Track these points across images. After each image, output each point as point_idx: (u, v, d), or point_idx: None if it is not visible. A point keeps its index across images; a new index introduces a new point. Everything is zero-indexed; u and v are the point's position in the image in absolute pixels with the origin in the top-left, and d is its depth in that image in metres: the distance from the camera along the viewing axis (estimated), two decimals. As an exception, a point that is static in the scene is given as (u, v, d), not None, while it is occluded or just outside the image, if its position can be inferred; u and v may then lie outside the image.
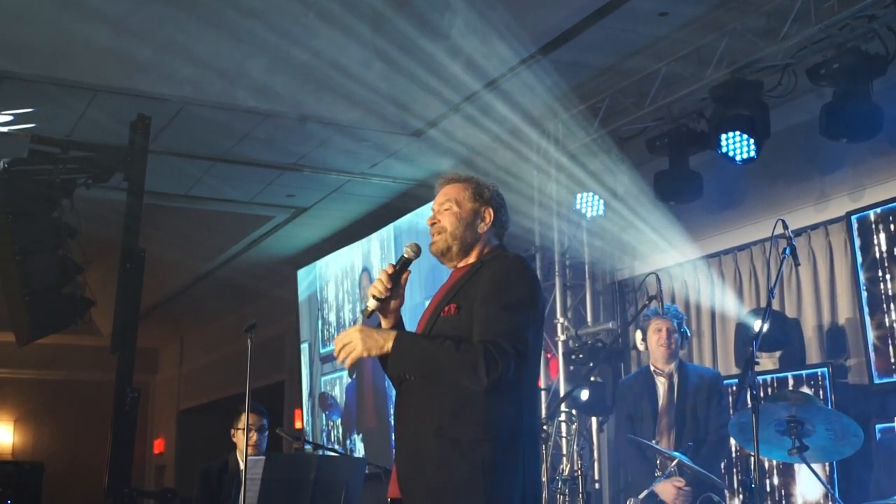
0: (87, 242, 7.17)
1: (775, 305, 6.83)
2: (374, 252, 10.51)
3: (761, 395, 6.24)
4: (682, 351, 6.02)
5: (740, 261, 7.52)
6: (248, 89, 7.55)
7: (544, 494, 6.21)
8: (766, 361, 6.94)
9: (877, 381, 6.20)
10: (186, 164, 9.13)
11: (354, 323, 10.71)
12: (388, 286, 3.37)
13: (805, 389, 6.25)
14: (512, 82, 7.43)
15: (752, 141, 6.50)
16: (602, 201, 7.90)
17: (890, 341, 6.17)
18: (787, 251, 4.68)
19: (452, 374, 3.16)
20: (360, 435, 10.67)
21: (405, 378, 3.26)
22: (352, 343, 3.25)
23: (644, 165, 7.73)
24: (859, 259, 6.37)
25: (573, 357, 7.85)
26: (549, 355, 8.12)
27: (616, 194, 7.88)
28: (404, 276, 3.42)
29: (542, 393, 7.81)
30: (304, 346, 12.12)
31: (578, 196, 7.95)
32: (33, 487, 8.02)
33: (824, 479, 5.77)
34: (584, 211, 7.95)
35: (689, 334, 6.06)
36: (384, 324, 3.45)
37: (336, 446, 10.87)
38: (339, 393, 11.28)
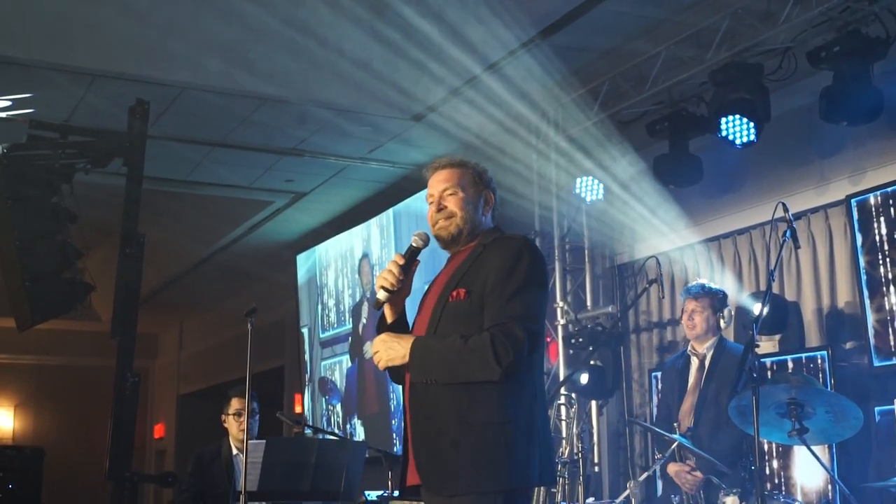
0: (86, 228, 7.17)
1: (775, 289, 6.84)
2: (374, 237, 10.51)
3: (761, 378, 6.25)
4: (725, 328, 5.89)
5: (740, 244, 7.53)
6: (248, 74, 7.52)
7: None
8: (766, 344, 6.95)
9: (876, 363, 6.21)
10: (185, 148, 9.11)
11: (353, 309, 10.77)
12: (401, 277, 3.36)
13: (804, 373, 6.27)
14: (512, 66, 7.41)
15: (752, 124, 6.49)
16: (602, 185, 7.89)
17: (889, 324, 6.18)
18: (788, 234, 4.69)
19: (469, 373, 3.16)
20: (361, 419, 10.70)
21: (428, 383, 3.24)
22: (378, 353, 3.31)
23: (644, 149, 7.71)
24: (859, 242, 6.37)
25: (573, 341, 7.86)
26: (548, 339, 8.12)
27: (616, 178, 7.87)
28: (414, 266, 3.41)
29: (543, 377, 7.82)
30: (305, 331, 12.14)
31: (578, 180, 7.95)
32: (34, 472, 8.04)
33: (824, 461, 5.79)
34: (583, 195, 7.95)
35: (730, 314, 5.94)
36: (388, 314, 3.46)
37: (336, 430, 10.89)
38: (338, 377, 11.30)
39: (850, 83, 5.99)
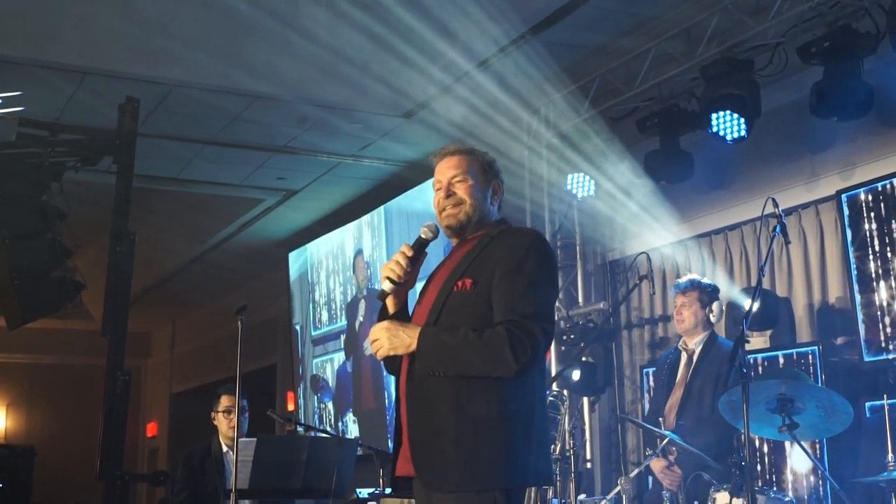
0: (76, 226, 7.15)
1: (766, 284, 6.85)
2: (366, 235, 10.51)
3: (752, 373, 6.25)
4: (716, 324, 5.91)
5: (731, 240, 7.53)
6: (238, 71, 7.51)
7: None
8: (757, 340, 6.95)
9: (867, 358, 6.21)
10: (176, 146, 9.10)
11: (348, 305, 10.76)
12: (408, 269, 3.29)
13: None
14: (503, 63, 7.41)
15: (742, 120, 6.49)
16: (593, 182, 7.89)
17: (879, 319, 6.19)
18: (778, 229, 4.69)
19: (482, 368, 3.09)
20: (356, 416, 10.69)
21: (433, 375, 3.15)
22: (379, 340, 3.21)
23: (635, 145, 7.71)
24: (849, 238, 6.38)
25: (564, 337, 7.86)
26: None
27: (607, 175, 7.87)
28: (421, 258, 3.34)
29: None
30: (297, 329, 12.13)
31: (569, 177, 7.95)
32: (25, 471, 8.00)
33: (814, 456, 5.80)
34: (575, 191, 7.95)
35: (721, 308, 5.93)
36: (391, 305, 3.37)
37: (328, 428, 10.89)
38: (330, 375, 11.29)
39: (841, 78, 6.00)
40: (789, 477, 6.35)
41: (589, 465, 7.92)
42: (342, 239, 11.02)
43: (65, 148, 7.17)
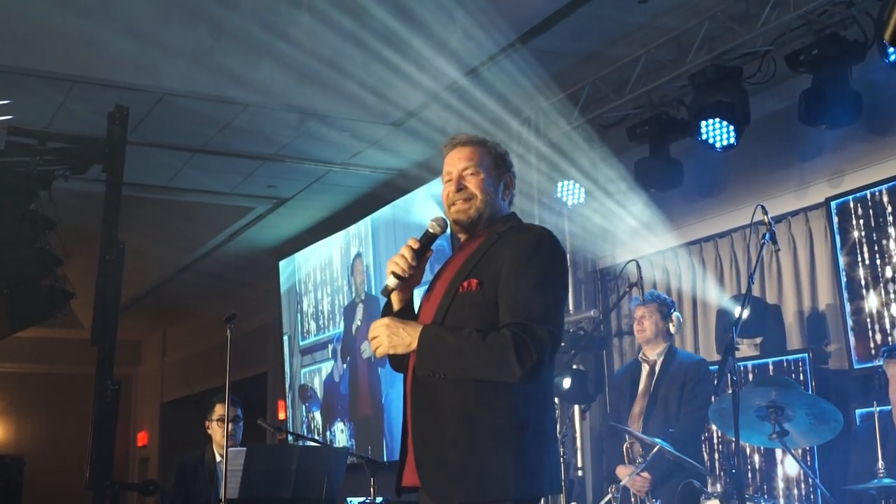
0: (66, 235, 7.12)
1: (756, 292, 6.86)
2: (353, 244, 10.50)
3: (742, 381, 6.26)
4: (675, 336, 6.02)
5: (721, 248, 7.54)
6: (228, 80, 7.50)
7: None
8: (747, 348, 6.96)
9: (857, 366, 6.23)
10: (166, 155, 9.08)
11: (345, 309, 10.73)
12: (413, 264, 3.14)
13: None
14: (492, 71, 7.42)
15: (731, 128, 6.51)
16: (583, 189, 7.90)
17: (869, 327, 6.20)
18: (767, 236, 4.70)
19: (485, 372, 2.93)
20: (352, 423, 10.65)
21: (434, 376, 3.00)
22: (378, 338, 3.06)
23: (624, 153, 7.73)
24: (839, 245, 6.40)
25: (554, 345, 7.85)
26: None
27: (597, 182, 7.88)
28: (427, 254, 3.19)
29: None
30: (285, 339, 12.11)
31: (559, 184, 7.96)
32: (14, 481, 7.95)
33: (805, 464, 5.80)
34: (565, 199, 7.96)
35: (679, 320, 6.03)
36: (395, 301, 3.23)
37: (316, 437, 10.86)
38: (318, 385, 11.27)
39: (829, 86, 6.02)
40: (780, 484, 6.35)
41: (580, 472, 7.92)
42: (329, 249, 11.01)
43: (54, 156, 7.13)
